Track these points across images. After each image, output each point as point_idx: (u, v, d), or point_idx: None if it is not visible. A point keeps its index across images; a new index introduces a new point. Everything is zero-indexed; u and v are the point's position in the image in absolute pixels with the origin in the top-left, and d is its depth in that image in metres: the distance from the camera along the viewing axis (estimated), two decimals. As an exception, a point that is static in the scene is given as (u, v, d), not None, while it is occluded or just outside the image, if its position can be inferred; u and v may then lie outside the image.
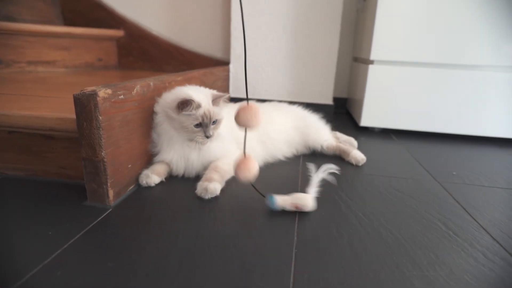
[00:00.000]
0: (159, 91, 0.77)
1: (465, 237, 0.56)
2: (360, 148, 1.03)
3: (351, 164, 0.90)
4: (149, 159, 0.75)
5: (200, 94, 0.73)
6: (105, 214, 0.59)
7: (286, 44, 1.39)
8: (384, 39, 1.14)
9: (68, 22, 1.72)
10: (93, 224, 0.56)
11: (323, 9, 1.34)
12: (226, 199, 0.67)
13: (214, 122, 0.73)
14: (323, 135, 0.96)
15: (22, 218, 0.58)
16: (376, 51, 1.15)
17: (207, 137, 0.72)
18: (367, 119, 1.24)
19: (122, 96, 0.62)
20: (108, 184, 0.60)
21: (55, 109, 0.70)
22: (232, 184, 0.73)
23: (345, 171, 0.85)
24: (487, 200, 0.71)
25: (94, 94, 0.55)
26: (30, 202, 0.63)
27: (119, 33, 1.70)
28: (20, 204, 0.63)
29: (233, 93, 1.50)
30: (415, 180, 0.81)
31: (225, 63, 1.55)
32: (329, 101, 1.43)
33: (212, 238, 0.53)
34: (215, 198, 0.66)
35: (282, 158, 0.92)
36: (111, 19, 1.70)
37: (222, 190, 0.69)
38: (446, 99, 1.16)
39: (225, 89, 1.46)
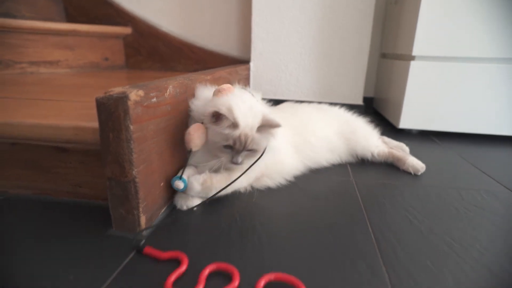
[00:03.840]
0: (190, 92, 0.65)
1: None
2: (410, 154, 0.92)
3: (408, 173, 0.78)
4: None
5: (248, 111, 0.57)
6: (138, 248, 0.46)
7: (313, 41, 1.27)
8: (428, 33, 1.02)
9: (71, 20, 1.60)
10: (125, 262, 0.44)
11: (353, 3, 1.22)
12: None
13: (250, 150, 0.58)
14: (373, 141, 0.84)
15: (32, 251, 0.45)
16: (419, 46, 1.03)
17: (234, 163, 0.58)
18: (406, 121, 1.12)
19: (155, 99, 0.50)
20: (140, 210, 0.48)
21: (67, 117, 0.58)
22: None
23: (403, 182, 0.73)
24: None
25: (124, 98, 0.42)
26: (40, 230, 0.51)
27: (126, 30, 1.57)
28: (29, 231, 0.50)
29: (253, 94, 1.38)
30: (489, 192, 0.69)
31: (241, 61, 1.43)
32: (359, 101, 1.31)
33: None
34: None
35: (325, 164, 0.80)
36: (118, 15, 1.58)
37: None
38: (496, 97, 1.04)
39: (246, 89, 1.34)
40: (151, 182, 0.50)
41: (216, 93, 0.60)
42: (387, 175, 0.78)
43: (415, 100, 1.09)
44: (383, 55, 1.43)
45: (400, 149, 0.86)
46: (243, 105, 0.57)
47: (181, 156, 0.62)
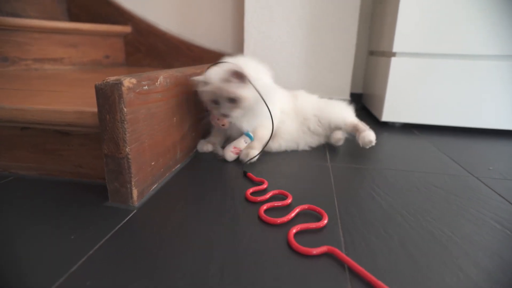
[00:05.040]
0: (181, 84, 0.72)
1: (525, 236, 0.51)
2: (385, 143, 0.99)
3: (380, 159, 0.85)
4: (172, 156, 0.70)
5: (217, 71, 0.72)
6: (130, 216, 0.54)
7: (302, 39, 1.35)
8: (407, 30, 1.09)
9: (74, 18, 1.68)
10: (118, 227, 0.51)
11: (339, 2, 1.29)
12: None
13: (232, 101, 0.72)
14: (347, 113, 0.95)
15: (40, 221, 0.53)
16: (399, 43, 1.10)
17: (223, 115, 0.74)
18: (388, 114, 1.19)
19: (146, 87, 0.57)
20: (132, 183, 0.55)
21: (71, 103, 0.65)
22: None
23: (375, 166, 0.80)
24: (535, 196, 0.66)
25: (118, 84, 0.50)
26: (46, 204, 0.58)
27: (126, 29, 1.65)
28: (36, 206, 0.58)
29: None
30: (452, 176, 0.76)
31: (237, 58, 1.49)
32: (346, 96, 1.38)
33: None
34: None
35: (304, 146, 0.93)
36: (118, 14, 1.66)
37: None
38: (470, 92, 1.11)
39: (238, 85, 1.42)
40: (142, 160, 0.58)
41: None
42: (362, 161, 0.85)
43: (397, 95, 1.16)
44: (371, 53, 1.49)
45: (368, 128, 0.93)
46: (216, 68, 0.73)
47: (172, 139, 0.70)
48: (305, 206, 0.57)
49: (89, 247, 0.46)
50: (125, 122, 0.52)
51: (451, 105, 1.14)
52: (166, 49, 1.67)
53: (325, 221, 0.53)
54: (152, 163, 0.62)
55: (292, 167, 0.80)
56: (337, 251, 0.45)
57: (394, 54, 1.13)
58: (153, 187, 0.63)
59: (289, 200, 0.60)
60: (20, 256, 0.44)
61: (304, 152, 0.91)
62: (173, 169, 0.72)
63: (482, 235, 0.52)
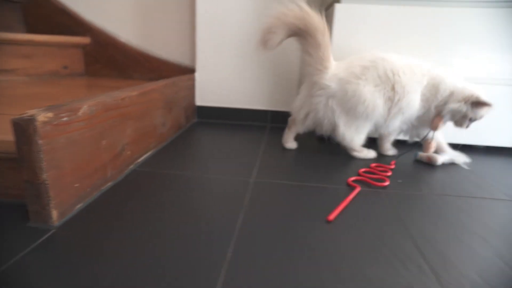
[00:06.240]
0: (112, 108, 0.78)
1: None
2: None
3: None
4: (101, 175, 0.76)
5: None
6: (48, 235, 0.60)
7: (252, 53, 1.43)
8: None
9: (30, 28, 1.69)
10: (35, 244, 0.57)
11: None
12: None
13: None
14: None
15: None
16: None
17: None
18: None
19: (66, 119, 0.63)
20: (51, 205, 0.61)
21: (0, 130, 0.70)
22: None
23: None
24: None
25: (33, 119, 0.56)
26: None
27: (85, 40, 1.68)
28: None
29: (199, 102, 1.52)
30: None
31: (193, 70, 1.56)
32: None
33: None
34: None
35: None
36: (77, 25, 1.68)
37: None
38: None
39: (191, 98, 1.48)
40: (62, 184, 0.63)
41: None
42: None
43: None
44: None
45: None
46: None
47: (101, 161, 0.76)
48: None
49: (4, 262, 0.52)
50: (41, 153, 0.57)
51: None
52: (125, 60, 1.71)
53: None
54: (76, 185, 0.68)
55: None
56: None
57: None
58: (77, 207, 0.69)
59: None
60: None
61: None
62: (103, 188, 0.78)
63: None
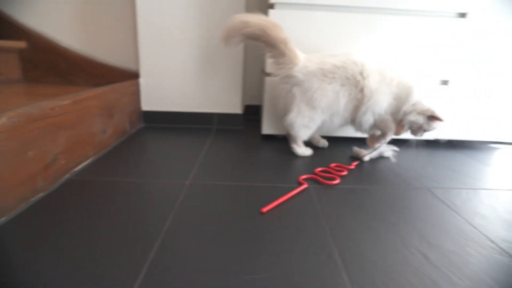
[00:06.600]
0: (38, 119, 0.77)
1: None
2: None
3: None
4: (30, 186, 0.75)
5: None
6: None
7: (195, 57, 1.45)
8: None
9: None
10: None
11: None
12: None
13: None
14: None
15: None
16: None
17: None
18: (267, 128, 1.36)
19: (-20, 132, 0.62)
20: (-31, 221, 0.60)
21: None
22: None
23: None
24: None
25: None
26: None
27: (20, 44, 1.60)
28: None
29: (145, 107, 1.52)
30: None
31: (139, 75, 1.55)
32: (238, 110, 1.52)
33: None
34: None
35: None
36: (10, 29, 1.59)
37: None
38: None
39: (136, 103, 1.47)
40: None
41: None
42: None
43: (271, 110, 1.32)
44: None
45: None
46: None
47: (28, 172, 0.75)
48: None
49: None
50: (-48, 168, 0.56)
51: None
52: (67, 66, 1.65)
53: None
54: (-3, 197, 0.67)
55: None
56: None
57: (268, 74, 1.29)
58: (1, 220, 0.68)
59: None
60: None
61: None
62: (32, 199, 0.77)
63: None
